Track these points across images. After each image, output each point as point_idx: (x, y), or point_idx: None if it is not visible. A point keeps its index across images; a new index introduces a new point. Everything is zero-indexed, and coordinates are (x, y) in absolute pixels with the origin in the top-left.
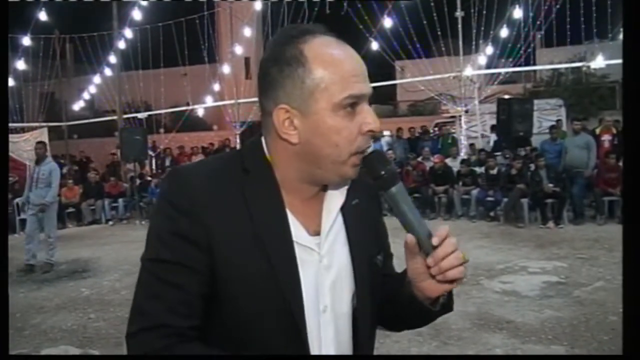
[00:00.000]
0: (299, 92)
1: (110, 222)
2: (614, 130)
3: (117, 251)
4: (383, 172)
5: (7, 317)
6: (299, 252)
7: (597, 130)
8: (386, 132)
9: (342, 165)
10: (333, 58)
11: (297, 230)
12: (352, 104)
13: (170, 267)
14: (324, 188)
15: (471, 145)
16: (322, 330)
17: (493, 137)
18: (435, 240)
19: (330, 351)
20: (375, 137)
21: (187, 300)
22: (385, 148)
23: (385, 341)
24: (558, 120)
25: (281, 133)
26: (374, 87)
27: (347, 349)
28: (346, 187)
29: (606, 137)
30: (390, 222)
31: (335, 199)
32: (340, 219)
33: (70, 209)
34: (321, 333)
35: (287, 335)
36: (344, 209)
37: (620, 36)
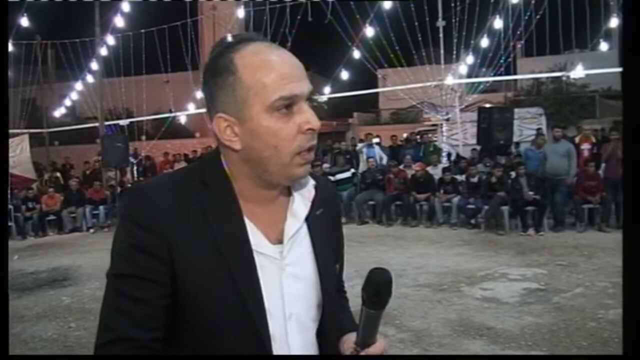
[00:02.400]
0: (233, 100)
1: (91, 230)
2: (593, 139)
3: (98, 259)
4: (384, 299)
5: (7, 317)
6: (259, 260)
7: (577, 139)
8: (375, 140)
9: (286, 166)
10: (262, 63)
11: (257, 239)
12: (287, 105)
13: (133, 282)
14: (286, 193)
15: (453, 154)
16: (289, 337)
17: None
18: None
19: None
20: (370, 143)
21: (151, 313)
22: (377, 155)
23: None
24: (539, 129)
25: (223, 141)
26: (356, 96)
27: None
28: (312, 197)
29: (585, 146)
30: (374, 230)
31: (300, 207)
32: (304, 228)
33: (51, 217)
34: (288, 340)
35: (252, 343)
36: (308, 219)
37: (600, 46)
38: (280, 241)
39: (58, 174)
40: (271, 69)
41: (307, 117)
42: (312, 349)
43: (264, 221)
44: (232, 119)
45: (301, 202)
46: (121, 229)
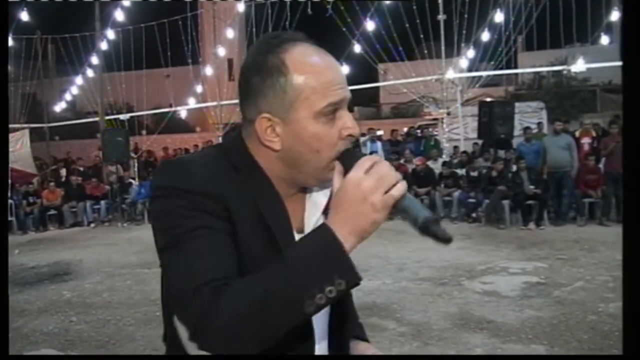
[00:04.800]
0: (281, 101)
1: (92, 225)
2: (593, 133)
3: (99, 253)
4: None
5: (7, 317)
6: None
7: (577, 133)
8: (379, 132)
9: (322, 170)
10: (313, 67)
11: None
12: (332, 111)
13: (206, 232)
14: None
15: (454, 147)
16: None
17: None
18: None
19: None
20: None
21: (230, 257)
22: (379, 150)
23: None
24: (539, 123)
25: (264, 141)
26: (357, 90)
27: (325, 348)
28: (330, 187)
29: (586, 140)
30: None
31: (320, 197)
32: (322, 218)
33: (52, 212)
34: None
35: None
36: (325, 210)
37: (601, 40)
38: (301, 230)
39: (63, 169)
40: (322, 74)
41: (348, 122)
42: (325, 341)
43: (288, 209)
44: (277, 120)
45: (320, 192)
46: (170, 200)
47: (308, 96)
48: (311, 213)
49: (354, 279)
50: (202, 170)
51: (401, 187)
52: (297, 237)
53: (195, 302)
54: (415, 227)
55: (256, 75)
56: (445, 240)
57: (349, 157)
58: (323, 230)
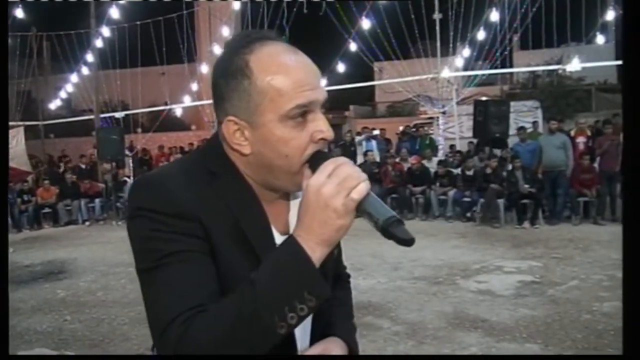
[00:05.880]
0: (246, 105)
1: (87, 223)
2: (588, 133)
3: (93, 252)
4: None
5: (7, 317)
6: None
7: (572, 133)
8: (375, 132)
9: (295, 175)
10: (279, 68)
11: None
12: (301, 114)
13: (183, 256)
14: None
15: (451, 146)
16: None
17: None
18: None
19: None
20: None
21: (207, 279)
22: (375, 149)
23: (361, 341)
24: (534, 122)
25: (232, 144)
26: (353, 88)
27: (306, 347)
28: None
29: (580, 139)
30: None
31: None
32: None
33: (47, 210)
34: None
35: None
36: None
37: (596, 39)
38: (286, 232)
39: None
40: (288, 75)
41: (320, 126)
42: (307, 337)
43: (270, 212)
44: (243, 123)
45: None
46: (146, 223)
47: (273, 99)
48: (295, 214)
49: (323, 294)
50: (176, 187)
51: (362, 188)
52: (282, 239)
53: (170, 335)
54: (377, 229)
55: (221, 78)
56: (406, 242)
57: (318, 160)
58: (289, 244)
